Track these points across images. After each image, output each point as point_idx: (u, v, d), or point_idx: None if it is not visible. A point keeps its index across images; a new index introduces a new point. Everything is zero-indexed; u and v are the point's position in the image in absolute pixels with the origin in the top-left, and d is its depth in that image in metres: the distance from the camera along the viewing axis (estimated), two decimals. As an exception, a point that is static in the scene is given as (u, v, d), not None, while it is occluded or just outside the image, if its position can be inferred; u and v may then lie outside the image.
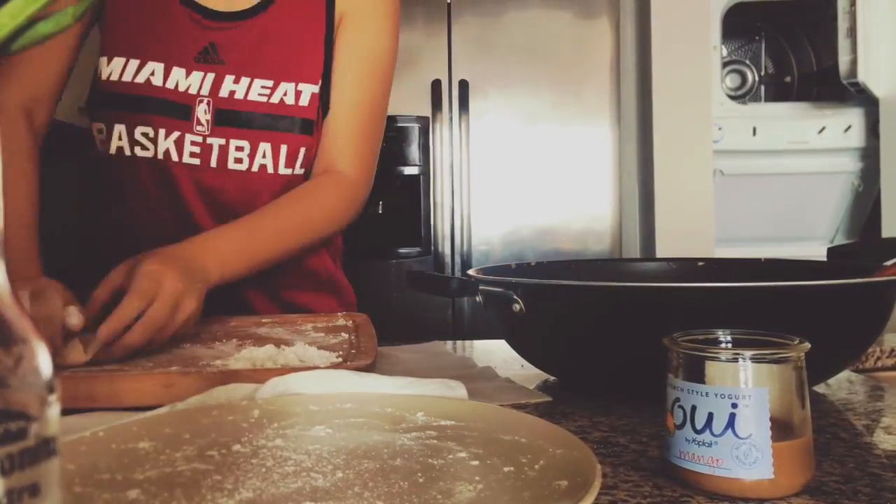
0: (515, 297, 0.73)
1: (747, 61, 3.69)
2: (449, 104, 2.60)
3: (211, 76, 1.07)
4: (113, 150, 1.08)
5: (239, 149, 1.07)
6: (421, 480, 0.47)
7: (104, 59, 1.07)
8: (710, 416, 0.49)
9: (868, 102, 3.15)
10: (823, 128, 3.20)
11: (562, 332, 0.75)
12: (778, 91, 3.70)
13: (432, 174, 2.60)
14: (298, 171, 1.11)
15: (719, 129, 3.10)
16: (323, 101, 1.12)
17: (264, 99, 1.07)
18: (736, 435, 0.48)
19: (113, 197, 1.11)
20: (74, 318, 0.77)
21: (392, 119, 2.47)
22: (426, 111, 2.57)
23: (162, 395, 0.67)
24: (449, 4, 2.61)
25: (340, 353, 0.80)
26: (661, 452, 0.53)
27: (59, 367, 0.75)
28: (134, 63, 1.06)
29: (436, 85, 2.59)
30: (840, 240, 3.33)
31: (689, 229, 2.80)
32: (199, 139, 1.07)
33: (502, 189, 2.65)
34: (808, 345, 0.50)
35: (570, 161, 2.67)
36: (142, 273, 0.81)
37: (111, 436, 0.53)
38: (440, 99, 2.59)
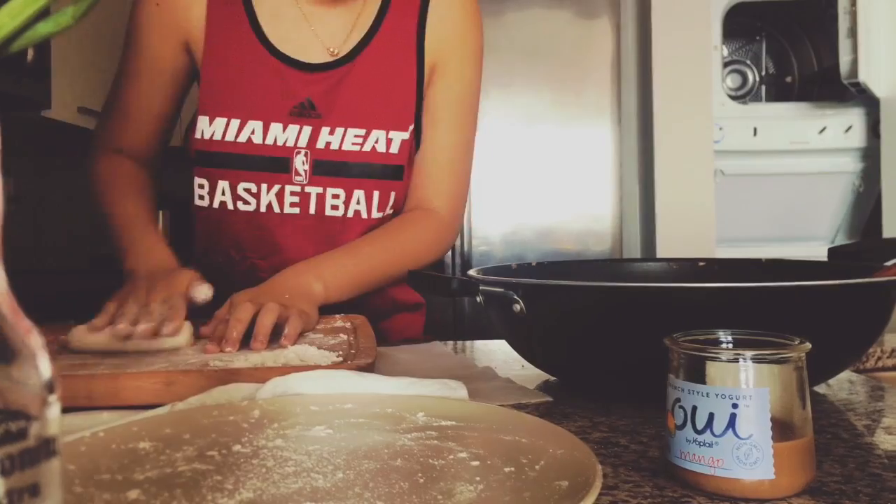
0: (516, 297, 0.73)
1: (748, 61, 3.69)
2: (449, 104, 2.60)
3: (308, 129, 1.11)
4: (216, 204, 1.12)
5: (335, 196, 1.11)
6: (421, 481, 0.47)
7: (205, 119, 1.10)
8: (711, 416, 0.48)
9: (869, 102, 3.15)
10: (824, 128, 3.20)
11: (562, 332, 0.75)
12: (779, 91, 3.70)
13: (433, 174, 2.60)
14: (388, 212, 1.15)
15: (720, 129, 3.10)
16: (415, 140, 1.16)
17: (357, 148, 1.11)
18: (737, 435, 0.48)
19: (209, 244, 1.16)
20: (201, 293, 0.81)
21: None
22: (427, 111, 2.57)
23: (162, 394, 0.67)
24: (449, 4, 2.61)
25: (340, 353, 0.80)
26: (662, 453, 0.53)
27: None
28: (235, 123, 1.09)
29: (436, 85, 2.58)
30: (841, 240, 3.33)
31: (690, 229, 2.80)
32: (298, 188, 1.11)
33: (503, 189, 2.65)
34: (808, 345, 0.50)
35: (570, 161, 2.66)
36: (237, 302, 0.89)
37: (111, 436, 0.53)
38: (441, 99, 2.58)
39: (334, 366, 0.73)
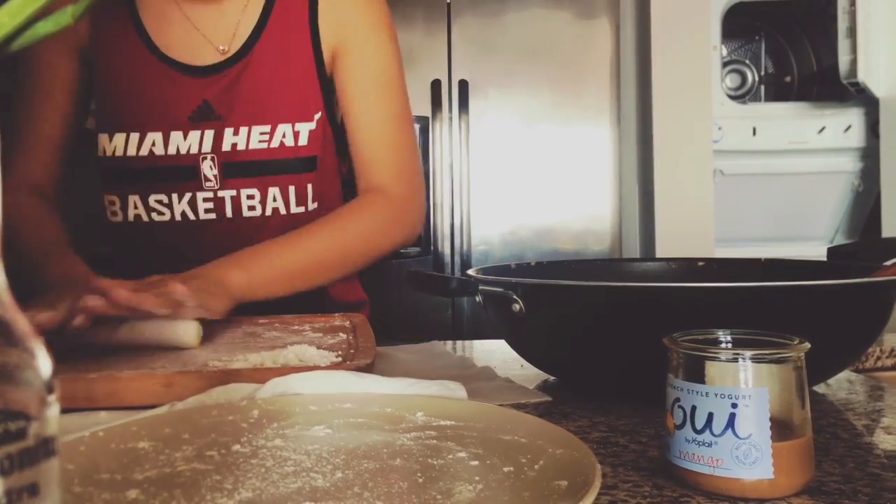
0: (515, 297, 0.73)
1: (747, 61, 3.69)
2: (449, 104, 2.60)
3: (210, 133, 1.08)
4: (131, 217, 1.10)
5: (250, 197, 1.09)
6: (420, 480, 0.47)
7: (104, 136, 1.08)
8: (710, 416, 0.48)
9: (868, 102, 3.15)
10: (823, 128, 3.20)
11: (561, 332, 0.75)
12: (778, 91, 3.70)
13: (432, 174, 2.60)
14: (312, 206, 1.12)
15: (719, 128, 3.10)
16: (335, 128, 1.13)
17: (265, 145, 1.08)
18: (736, 435, 0.48)
19: (131, 256, 1.13)
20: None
21: (392, 119, 2.47)
22: (426, 111, 2.57)
23: (162, 395, 0.67)
24: (449, 4, 2.61)
25: (340, 352, 0.80)
26: (661, 452, 0.53)
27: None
28: (135, 137, 1.07)
29: (435, 85, 2.59)
30: (840, 240, 3.32)
31: (689, 229, 2.80)
32: (210, 194, 1.09)
33: (502, 189, 2.65)
34: (808, 345, 0.50)
35: (569, 161, 2.66)
36: (146, 282, 0.85)
37: (111, 436, 0.53)
38: (440, 99, 2.59)
39: (334, 366, 0.73)
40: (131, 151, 1.07)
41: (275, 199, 1.09)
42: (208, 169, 1.08)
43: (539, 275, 0.96)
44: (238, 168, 1.08)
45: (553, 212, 2.66)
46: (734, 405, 0.48)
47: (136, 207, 1.09)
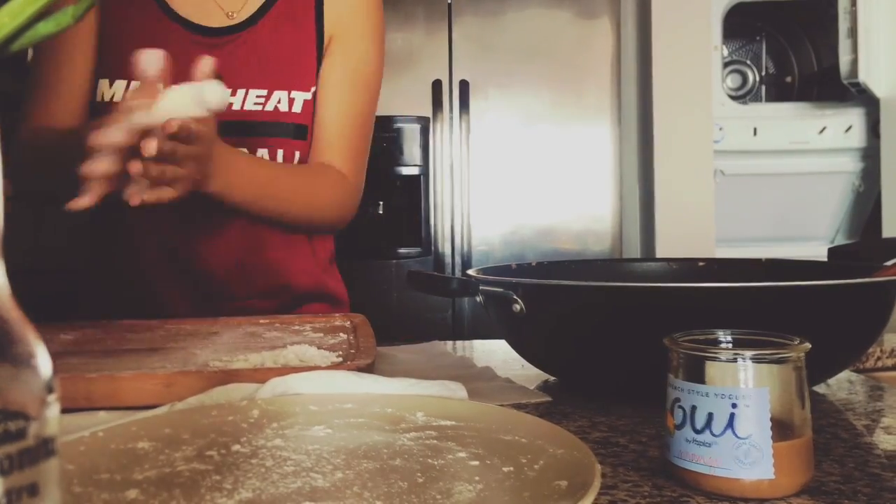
0: (516, 297, 0.73)
1: (748, 61, 3.69)
2: (449, 104, 2.60)
3: None
4: None
5: None
6: (420, 480, 0.47)
7: (104, 82, 1.09)
8: (710, 416, 0.48)
9: (869, 102, 3.15)
10: (824, 128, 3.20)
11: (562, 332, 0.75)
12: (779, 91, 3.70)
13: (432, 174, 2.60)
14: None
15: (720, 129, 3.10)
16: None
17: (259, 108, 1.11)
18: (736, 435, 0.48)
19: (119, 207, 1.12)
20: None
21: (392, 119, 2.47)
22: (427, 111, 2.57)
23: (162, 395, 0.67)
24: (449, 4, 2.61)
25: (340, 352, 0.80)
26: (661, 452, 0.53)
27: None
28: (135, 85, 1.07)
29: (436, 85, 2.59)
30: (841, 240, 3.32)
31: (690, 229, 2.80)
32: None
33: (502, 189, 2.65)
34: (808, 345, 0.50)
35: (570, 161, 2.66)
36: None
37: (110, 436, 0.53)
38: (440, 99, 2.59)
39: (334, 366, 0.73)
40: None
41: None
42: None
43: (540, 275, 0.96)
44: (231, 127, 1.09)
45: (553, 212, 2.66)
46: (734, 405, 0.48)
47: None
